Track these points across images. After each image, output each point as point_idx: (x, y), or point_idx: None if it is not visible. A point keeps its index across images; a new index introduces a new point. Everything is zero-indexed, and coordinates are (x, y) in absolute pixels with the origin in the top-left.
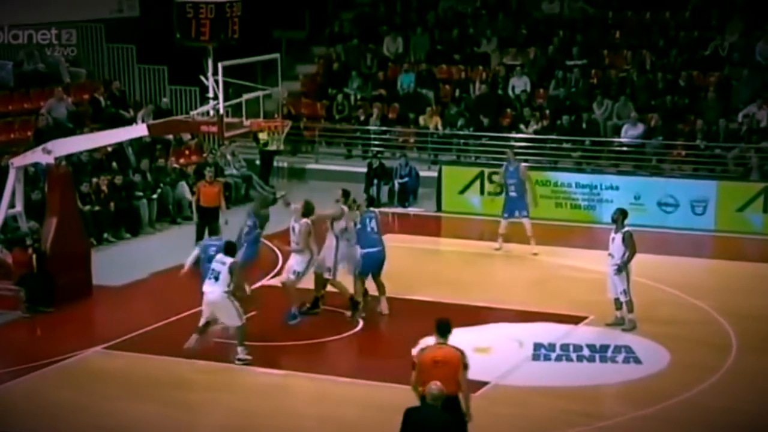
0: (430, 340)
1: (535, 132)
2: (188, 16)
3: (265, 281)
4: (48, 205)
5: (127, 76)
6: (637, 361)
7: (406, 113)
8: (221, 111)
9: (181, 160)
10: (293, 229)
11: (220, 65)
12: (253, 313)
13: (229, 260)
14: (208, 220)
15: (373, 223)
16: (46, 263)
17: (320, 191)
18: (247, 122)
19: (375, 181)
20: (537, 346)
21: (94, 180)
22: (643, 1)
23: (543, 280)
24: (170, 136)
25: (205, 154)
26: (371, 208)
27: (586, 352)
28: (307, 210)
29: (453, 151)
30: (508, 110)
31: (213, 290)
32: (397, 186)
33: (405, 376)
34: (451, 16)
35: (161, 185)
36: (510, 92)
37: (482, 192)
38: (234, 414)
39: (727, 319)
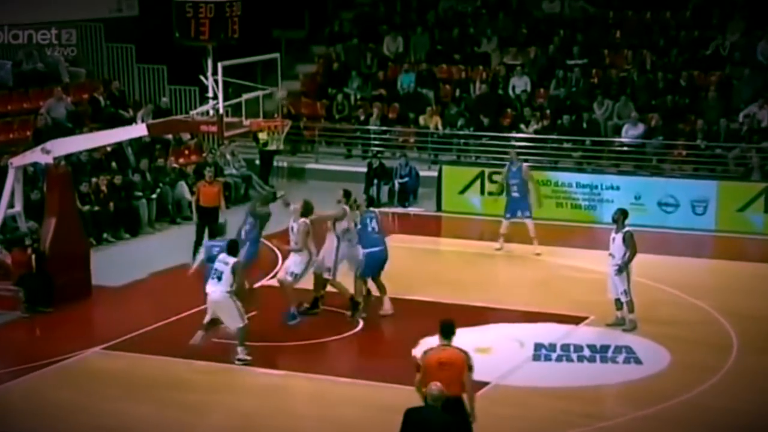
0: (430, 341)
1: (536, 132)
2: (188, 16)
3: (265, 281)
4: (47, 205)
5: (126, 75)
6: (638, 361)
7: (406, 113)
8: (221, 111)
9: (181, 160)
10: (292, 229)
11: (219, 65)
12: (253, 313)
13: (231, 260)
14: (208, 220)
15: (374, 223)
16: (45, 263)
17: (320, 191)
18: (246, 122)
19: (375, 181)
20: (537, 347)
21: (94, 180)
22: (644, 0)
23: (543, 280)
24: (170, 136)
25: (204, 154)
26: (371, 208)
27: (586, 352)
28: (306, 210)
29: (453, 151)
30: (509, 110)
31: (215, 290)
32: (397, 186)
33: (405, 376)
34: (451, 15)
35: (161, 185)
36: (510, 92)
37: (482, 192)
38: (234, 414)
39: (728, 319)
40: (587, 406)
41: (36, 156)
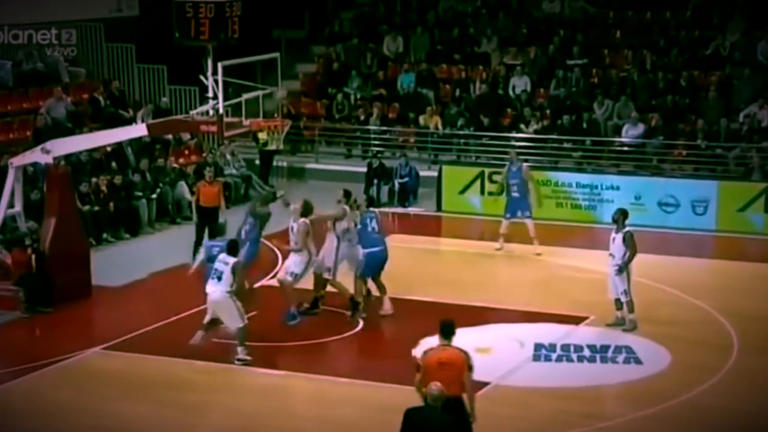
0: (431, 341)
1: (536, 132)
2: (188, 16)
3: (265, 281)
4: (47, 205)
5: (126, 75)
6: (638, 361)
7: (406, 113)
8: (221, 110)
9: (181, 160)
10: (292, 228)
11: (219, 65)
12: (253, 313)
13: (231, 260)
14: (208, 220)
15: (374, 223)
16: (45, 263)
17: (320, 191)
18: (246, 122)
19: (375, 181)
20: (537, 347)
21: (94, 180)
22: (644, 0)
23: (543, 280)
24: (170, 136)
25: (204, 154)
26: (371, 208)
27: (586, 352)
28: (306, 210)
29: (453, 151)
30: (509, 110)
31: (215, 290)
32: (397, 186)
33: (405, 376)
34: (451, 15)
35: (160, 185)
36: (510, 92)
37: (482, 192)
38: (233, 415)
39: (728, 319)
40: (587, 406)
41: (36, 156)
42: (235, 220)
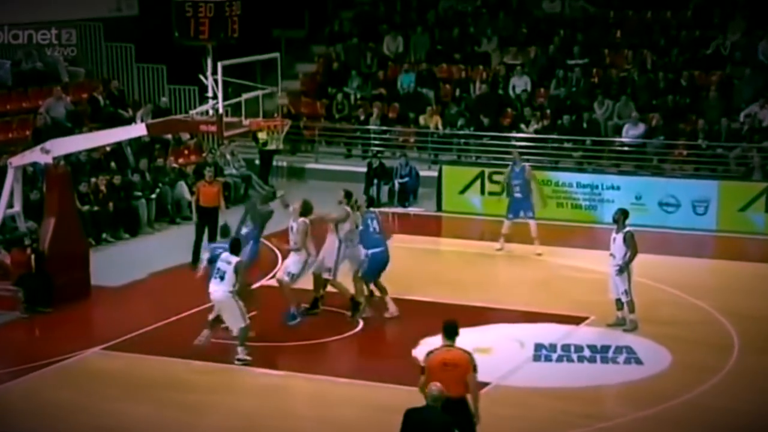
0: (431, 341)
1: (536, 132)
2: (187, 15)
3: (264, 281)
4: (46, 205)
5: (125, 75)
6: (639, 361)
7: (406, 113)
8: (220, 110)
9: (180, 160)
10: (292, 228)
11: (219, 64)
12: (253, 313)
13: (234, 259)
14: (208, 220)
15: (375, 224)
16: (44, 263)
17: (320, 191)
18: (246, 122)
19: (375, 181)
20: (538, 347)
21: (93, 180)
22: (645, 0)
23: (544, 280)
24: (169, 136)
25: (204, 154)
26: (371, 209)
27: (587, 352)
28: (306, 209)
29: (453, 151)
30: (509, 110)
31: (217, 289)
32: (397, 186)
33: (405, 376)
34: (451, 15)
35: (160, 185)
36: (510, 92)
37: (483, 192)
38: (233, 415)
39: (729, 319)
40: (588, 406)
41: (35, 156)
42: (235, 220)
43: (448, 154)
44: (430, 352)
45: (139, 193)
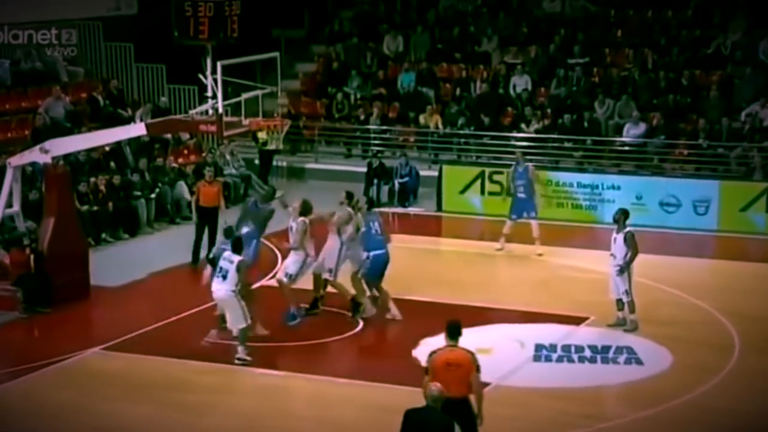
0: (431, 341)
1: (537, 131)
2: (187, 15)
3: (264, 281)
4: (45, 205)
5: (125, 74)
6: (639, 362)
7: (407, 112)
8: (220, 110)
9: (180, 160)
10: (291, 228)
11: (219, 64)
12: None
13: (236, 258)
14: (208, 220)
15: (377, 225)
16: (43, 263)
17: (320, 191)
18: (246, 121)
19: (375, 181)
20: (538, 347)
21: (92, 180)
22: None
23: (544, 280)
24: (169, 136)
25: (204, 154)
26: (373, 210)
27: (587, 353)
28: (305, 209)
29: (453, 151)
30: (509, 109)
31: (220, 288)
32: (397, 186)
33: (405, 376)
34: (451, 14)
35: (159, 185)
36: (511, 91)
37: (483, 192)
38: (233, 415)
39: (729, 319)
40: (588, 406)
41: (34, 155)
42: (234, 220)
43: (449, 154)
44: (433, 352)
45: (139, 193)
